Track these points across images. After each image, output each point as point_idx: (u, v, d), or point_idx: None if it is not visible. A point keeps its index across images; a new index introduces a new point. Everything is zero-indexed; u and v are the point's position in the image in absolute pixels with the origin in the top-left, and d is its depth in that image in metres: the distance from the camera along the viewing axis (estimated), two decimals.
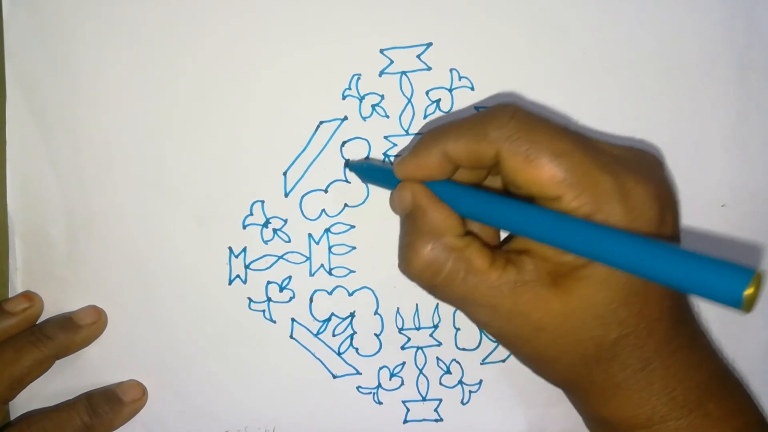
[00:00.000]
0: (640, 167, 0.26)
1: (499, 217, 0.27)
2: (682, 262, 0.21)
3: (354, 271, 0.35)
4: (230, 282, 0.35)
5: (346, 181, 0.35)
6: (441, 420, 0.36)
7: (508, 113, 0.26)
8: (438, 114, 0.34)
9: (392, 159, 0.35)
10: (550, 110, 0.34)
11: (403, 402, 0.36)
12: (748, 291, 0.20)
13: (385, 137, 0.35)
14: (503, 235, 0.32)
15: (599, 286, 0.25)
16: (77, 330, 0.34)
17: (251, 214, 0.35)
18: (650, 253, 0.22)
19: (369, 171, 0.33)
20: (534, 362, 0.29)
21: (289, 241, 0.35)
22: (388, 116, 0.35)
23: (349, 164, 0.34)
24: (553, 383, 0.30)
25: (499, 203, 0.27)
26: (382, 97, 0.34)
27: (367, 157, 0.35)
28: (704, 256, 0.21)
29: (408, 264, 0.28)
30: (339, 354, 0.36)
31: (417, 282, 0.29)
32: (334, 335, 0.35)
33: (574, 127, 0.32)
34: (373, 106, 0.35)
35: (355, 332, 0.35)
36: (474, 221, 0.30)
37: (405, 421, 0.36)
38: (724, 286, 0.20)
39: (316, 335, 0.36)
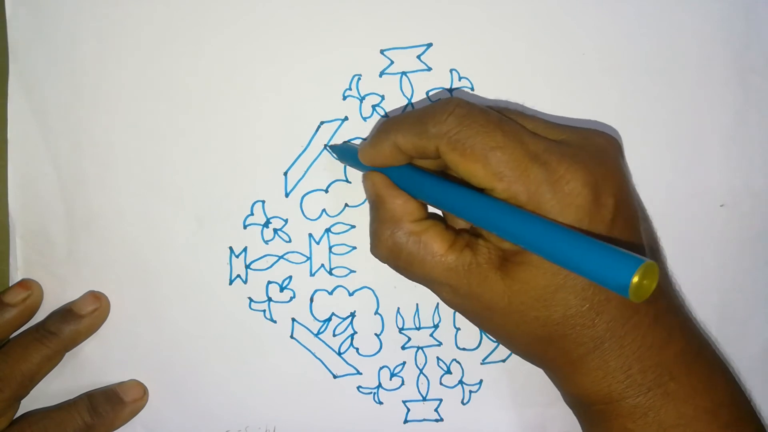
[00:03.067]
0: (580, 152, 0.27)
1: (441, 201, 0.29)
2: (576, 247, 0.23)
3: (354, 271, 0.35)
4: (231, 282, 0.35)
5: (347, 181, 0.35)
6: (441, 420, 0.36)
7: (447, 110, 0.27)
8: None
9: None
10: (547, 111, 0.34)
11: (404, 402, 0.36)
12: (635, 279, 0.21)
13: None
14: None
15: (536, 270, 0.27)
16: (80, 320, 0.34)
17: (252, 214, 0.35)
18: (548, 237, 0.24)
19: (344, 153, 0.34)
20: (497, 338, 0.31)
21: (290, 241, 0.35)
22: (388, 117, 0.35)
23: (330, 146, 0.35)
24: (523, 359, 0.31)
25: (441, 189, 0.28)
26: (383, 97, 0.35)
27: (347, 141, 0.35)
28: (601, 244, 0.22)
29: (374, 249, 0.31)
30: (339, 354, 0.36)
31: (386, 264, 0.31)
32: (334, 335, 0.36)
33: (530, 112, 0.33)
34: (374, 107, 0.35)
35: (355, 332, 0.36)
36: None
37: (405, 421, 0.36)
38: (614, 273, 0.21)
39: (316, 335, 0.36)
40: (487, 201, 0.26)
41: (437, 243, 0.29)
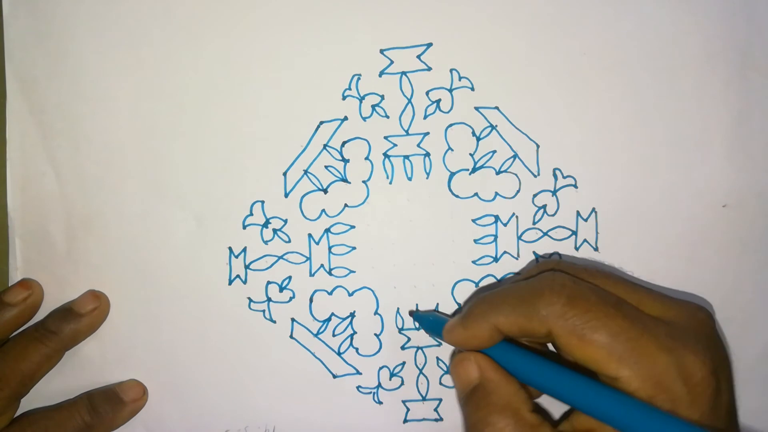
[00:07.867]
0: (697, 336, 0.26)
1: (560, 390, 0.26)
2: None
3: (354, 272, 0.35)
4: (230, 282, 0.35)
5: (346, 181, 0.35)
6: (441, 420, 0.36)
7: (557, 290, 0.26)
8: (438, 114, 0.34)
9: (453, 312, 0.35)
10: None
11: (403, 402, 0.36)
12: None
13: (385, 137, 0.35)
14: None
15: None
16: (79, 319, 0.34)
17: (251, 214, 0.35)
18: None
19: (427, 323, 0.34)
20: None
21: (289, 241, 0.35)
22: (388, 116, 0.35)
23: (413, 314, 0.35)
24: None
25: (560, 376, 0.26)
26: (382, 97, 0.34)
27: (434, 309, 0.35)
28: None
29: None
30: (339, 354, 0.36)
31: None
32: (334, 335, 0.36)
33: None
34: (373, 107, 0.34)
35: (355, 332, 0.36)
36: None
37: (405, 421, 0.36)
38: None
39: (316, 335, 0.36)
40: (616, 397, 0.24)
41: None
